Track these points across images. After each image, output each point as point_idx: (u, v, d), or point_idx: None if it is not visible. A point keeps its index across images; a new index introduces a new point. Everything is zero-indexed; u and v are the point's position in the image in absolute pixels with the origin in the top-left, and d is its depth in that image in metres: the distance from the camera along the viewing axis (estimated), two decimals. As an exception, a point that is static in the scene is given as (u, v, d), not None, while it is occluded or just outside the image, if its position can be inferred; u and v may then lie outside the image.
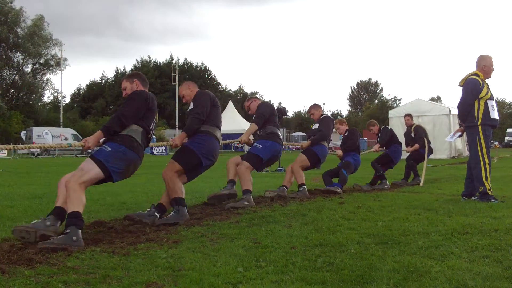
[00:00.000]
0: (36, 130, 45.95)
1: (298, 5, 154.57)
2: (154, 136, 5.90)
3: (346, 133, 10.56)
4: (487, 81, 7.99)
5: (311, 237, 4.99)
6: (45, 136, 44.42)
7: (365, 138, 58.94)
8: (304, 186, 8.83)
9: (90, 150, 5.63)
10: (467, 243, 4.60)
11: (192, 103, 6.66)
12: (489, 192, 7.59)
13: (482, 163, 7.69)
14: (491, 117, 7.78)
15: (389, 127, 11.97)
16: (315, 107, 9.79)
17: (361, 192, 9.85)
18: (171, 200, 6.19)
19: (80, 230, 4.75)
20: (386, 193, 9.45)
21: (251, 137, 8.20)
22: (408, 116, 12.87)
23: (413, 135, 12.26)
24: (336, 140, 31.15)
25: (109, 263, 4.05)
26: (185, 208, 6.11)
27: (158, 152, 43.31)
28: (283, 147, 8.52)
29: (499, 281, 3.43)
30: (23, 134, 48.58)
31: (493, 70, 8.01)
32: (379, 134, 11.56)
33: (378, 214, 6.51)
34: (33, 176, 16.03)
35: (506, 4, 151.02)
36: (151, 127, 5.71)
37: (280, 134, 8.25)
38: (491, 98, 7.88)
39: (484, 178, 7.63)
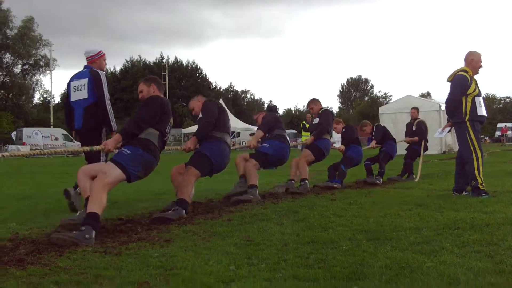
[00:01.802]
0: (26, 131, 45.53)
1: (287, 3, 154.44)
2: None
3: (343, 130, 10.91)
4: (476, 77, 8.00)
5: (303, 234, 5.00)
6: (35, 137, 44.05)
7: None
8: (306, 181, 9.15)
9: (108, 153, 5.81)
10: (458, 238, 4.61)
11: (201, 113, 7.07)
12: (481, 186, 7.60)
13: (474, 157, 7.69)
14: (478, 113, 7.79)
15: (382, 125, 12.22)
16: (314, 101, 10.09)
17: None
18: (177, 198, 6.46)
19: (94, 232, 4.94)
20: (377, 189, 9.47)
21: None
22: (415, 109, 13.12)
23: (414, 128, 12.41)
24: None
25: (101, 263, 4.04)
26: (184, 211, 6.36)
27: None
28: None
29: (491, 275, 3.44)
30: (13, 134, 48.32)
31: (481, 67, 8.00)
32: (373, 133, 11.92)
33: (370, 210, 6.52)
34: (22, 176, 15.93)
35: (495, 2, 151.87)
36: (166, 130, 6.00)
37: (287, 136, 8.76)
38: (479, 94, 7.90)
39: (476, 172, 7.63)
